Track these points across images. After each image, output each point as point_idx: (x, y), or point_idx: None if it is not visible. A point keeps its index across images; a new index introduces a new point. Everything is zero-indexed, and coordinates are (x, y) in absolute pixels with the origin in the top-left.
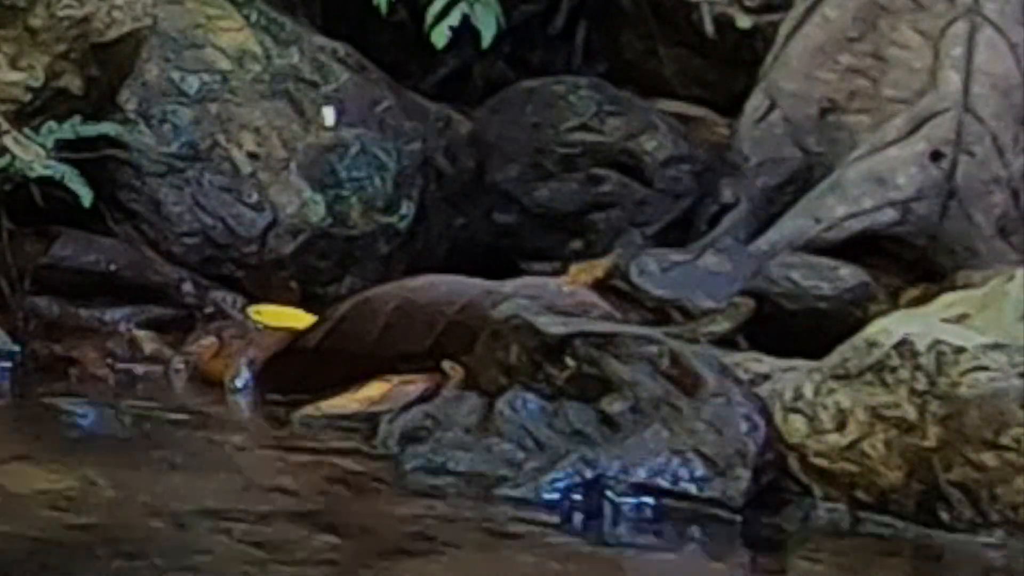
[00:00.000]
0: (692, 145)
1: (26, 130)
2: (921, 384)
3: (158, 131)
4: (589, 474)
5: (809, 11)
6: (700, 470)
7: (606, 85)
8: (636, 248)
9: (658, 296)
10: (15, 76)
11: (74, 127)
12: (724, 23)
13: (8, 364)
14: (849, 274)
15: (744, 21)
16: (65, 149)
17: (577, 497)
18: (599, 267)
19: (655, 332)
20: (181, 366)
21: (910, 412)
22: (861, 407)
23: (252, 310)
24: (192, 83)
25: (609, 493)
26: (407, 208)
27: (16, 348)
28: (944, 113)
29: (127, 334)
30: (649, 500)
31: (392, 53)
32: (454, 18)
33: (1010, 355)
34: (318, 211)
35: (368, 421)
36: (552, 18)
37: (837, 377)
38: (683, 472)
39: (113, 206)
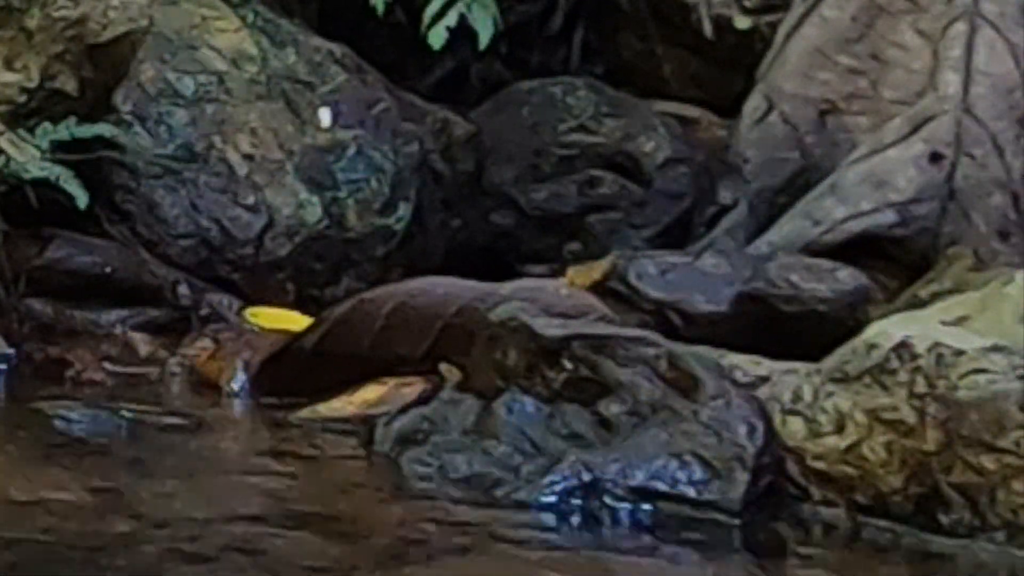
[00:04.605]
0: (690, 146)
1: (21, 131)
2: (920, 387)
3: (154, 132)
4: (587, 477)
5: (808, 12)
6: (698, 473)
7: (604, 86)
8: (634, 250)
9: (656, 298)
10: (10, 77)
11: (69, 128)
12: (722, 24)
13: (3, 367)
14: (848, 276)
15: (742, 22)
16: (60, 150)
17: (575, 500)
18: (597, 269)
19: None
20: (177, 369)
21: (909, 415)
22: (860, 410)
23: (248, 312)
24: (188, 84)
25: (607, 496)
26: (404, 210)
27: (11, 351)
28: (943, 114)
29: (122, 336)
30: (647, 503)
31: (389, 54)
32: (451, 19)
33: (1010, 357)
34: (314, 213)
35: (365, 424)
36: (549, 19)
37: (836, 380)
38: (681, 475)
39: (108, 208)
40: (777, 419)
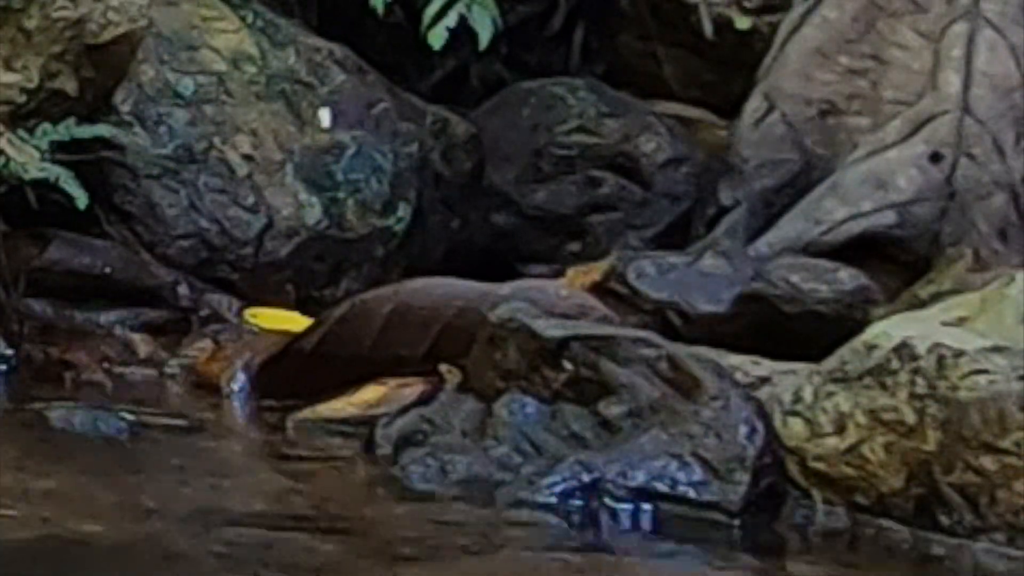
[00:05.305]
0: (691, 147)
1: (20, 132)
2: (921, 387)
3: (153, 133)
4: (587, 478)
5: (808, 12)
6: (698, 474)
7: (604, 86)
8: (634, 251)
9: (656, 299)
10: (10, 78)
11: (69, 129)
12: (723, 24)
13: (2, 367)
14: (848, 277)
15: (743, 22)
16: (60, 151)
17: (575, 501)
18: (597, 270)
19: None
20: (176, 369)
21: (909, 416)
22: (860, 411)
23: (248, 313)
24: (187, 85)
25: (607, 497)
26: (404, 210)
27: (10, 351)
28: (944, 115)
29: (122, 337)
30: (647, 504)
31: (389, 55)
32: (451, 19)
33: (1010, 358)
34: (314, 213)
35: (364, 425)
36: (550, 19)
37: (836, 380)
38: (681, 476)
39: (108, 208)
40: (777, 420)
